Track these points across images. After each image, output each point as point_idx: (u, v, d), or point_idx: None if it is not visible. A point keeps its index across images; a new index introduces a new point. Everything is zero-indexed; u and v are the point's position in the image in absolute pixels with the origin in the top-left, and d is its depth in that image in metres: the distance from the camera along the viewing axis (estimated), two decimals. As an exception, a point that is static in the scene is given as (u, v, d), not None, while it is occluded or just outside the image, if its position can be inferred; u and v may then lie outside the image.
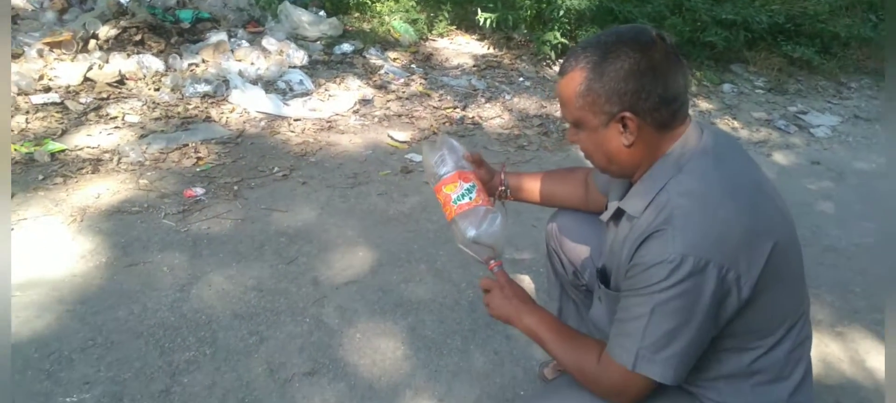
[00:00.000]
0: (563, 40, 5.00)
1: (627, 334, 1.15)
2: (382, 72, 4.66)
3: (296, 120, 3.86)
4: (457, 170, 1.56)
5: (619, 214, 1.29)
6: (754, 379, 1.25)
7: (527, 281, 2.52)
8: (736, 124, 4.46)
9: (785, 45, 5.36)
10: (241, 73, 4.29)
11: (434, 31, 5.56)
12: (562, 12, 4.91)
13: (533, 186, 1.77)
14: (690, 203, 1.11)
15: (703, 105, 4.72)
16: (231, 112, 3.86)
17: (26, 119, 3.39)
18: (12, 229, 2.54)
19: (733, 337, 1.20)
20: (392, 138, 3.72)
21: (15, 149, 3.05)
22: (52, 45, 4.14)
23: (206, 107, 3.86)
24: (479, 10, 5.21)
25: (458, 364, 2.09)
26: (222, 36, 4.74)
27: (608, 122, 1.18)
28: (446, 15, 5.64)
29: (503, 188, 1.74)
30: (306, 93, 4.24)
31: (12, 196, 2.73)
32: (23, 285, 2.24)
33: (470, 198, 1.50)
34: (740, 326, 1.18)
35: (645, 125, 1.16)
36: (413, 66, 4.88)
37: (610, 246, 1.36)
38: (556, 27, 4.99)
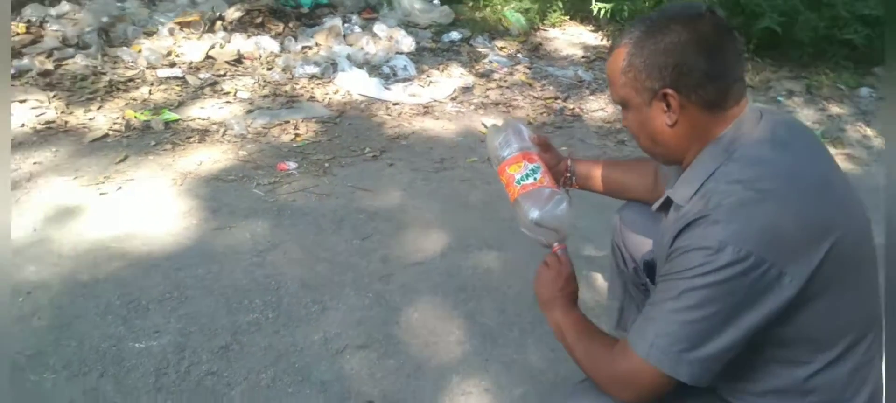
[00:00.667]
0: (681, 33, 4.72)
1: (648, 319, 1.06)
2: (487, 60, 4.63)
3: (394, 104, 3.92)
4: (521, 151, 1.50)
5: (668, 203, 1.19)
6: (809, 399, 1.09)
7: (599, 280, 2.40)
8: (868, 132, 4.00)
9: (944, 45, 4.73)
10: (349, 57, 4.42)
11: (547, 21, 5.44)
12: (681, 3, 4.62)
13: (600, 174, 1.67)
14: (739, 191, 1.01)
15: (834, 109, 4.27)
16: (335, 93, 3.99)
17: (150, 90, 3.69)
18: (120, 189, 2.78)
19: (784, 348, 1.07)
20: (485, 126, 3.69)
21: (134, 116, 3.34)
22: (183, 25, 4.48)
23: (312, 88, 4.02)
24: (593, 0, 5.04)
25: (512, 356, 2.03)
26: (337, 21, 4.92)
27: (651, 100, 1.12)
28: (561, 4, 5.51)
29: (569, 174, 1.66)
30: (408, 79, 4.29)
31: (125, 158, 2.99)
32: (119, 237, 2.44)
33: (535, 179, 1.43)
34: (791, 333, 1.04)
35: (689, 104, 1.08)
36: (519, 55, 4.81)
37: (659, 238, 1.25)
38: (674, 19, 4.71)
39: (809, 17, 4.54)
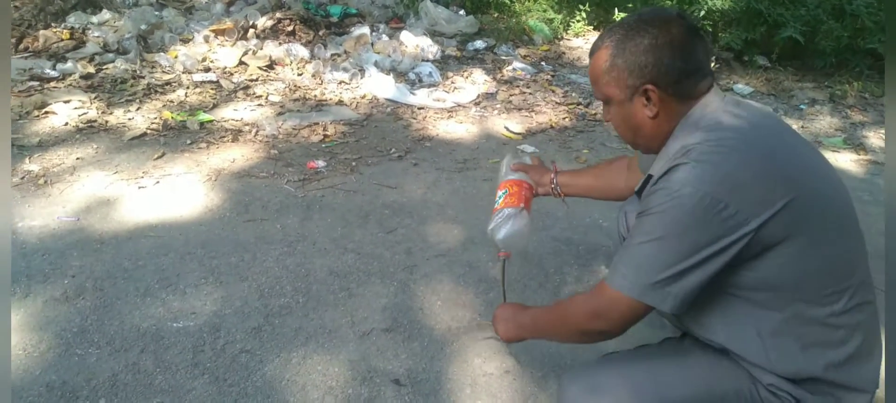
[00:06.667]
0: (703, 42, 4.77)
1: (621, 257, 1.18)
2: (510, 68, 4.72)
3: (419, 108, 4.02)
4: (501, 181, 1.85)
5: (648, 181, 1.29)
6: (788, 336, 1.17)
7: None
8: (894, 137, 3.99)
9: (972, 54, 4.70)
10: (376, 64, 4.55)
11: (570, 31, 5.52)
12: (703, 12, 4.68)
13: (579, 181, 1.87)
14: (705, 147, 1.13)
15: (857, 117, 4.28)
16: (362, 98, 4.11)
17: (185, 93, 3.85)
18: (157, 183, 2.91)
19: (761, 291, 1.16)
20: (508, 129, 3.77)
21: (170, 117, 3.48)
22: (217, 32, 4.66)
23: (340, 93, 4.14)
24: (616, 10, 5.10)
25: (531, 341, 2.08)
26: (365, 30, 5.06)
27: (632, 96, 1.24)
28: (584, 15, 5.58)
29: (554, 185, 1.85)
30: (434, 85, 4.40)
31: (162, 155, 3.13)
32: (156, 226, 2.57)
33: (498, 203, 1.78)
34: (762, 276, 1.14)
35: (667, 97, 1.21)
36: (542, 63, 4.89)
37: None
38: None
39: (832, 26, 4.55)
